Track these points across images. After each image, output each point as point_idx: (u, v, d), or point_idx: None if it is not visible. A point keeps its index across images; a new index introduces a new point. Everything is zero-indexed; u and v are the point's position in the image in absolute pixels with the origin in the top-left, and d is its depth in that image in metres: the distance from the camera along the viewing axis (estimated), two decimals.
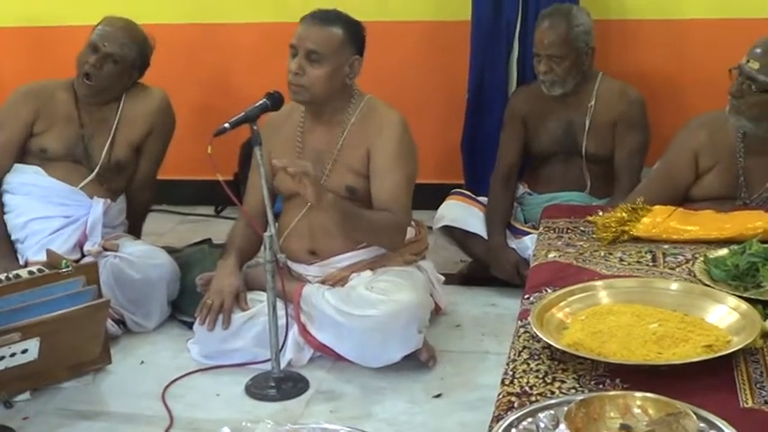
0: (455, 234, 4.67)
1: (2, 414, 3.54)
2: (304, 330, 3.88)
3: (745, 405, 2.08)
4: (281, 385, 3.71)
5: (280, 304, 3.72)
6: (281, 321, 3.75)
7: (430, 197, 4.72)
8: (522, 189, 4.79)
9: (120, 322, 4.20)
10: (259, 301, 3.89)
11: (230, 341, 3.92)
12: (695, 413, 1.89)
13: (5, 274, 3.71)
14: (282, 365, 3.77)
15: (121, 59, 4.30)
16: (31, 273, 3.71)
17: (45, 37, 5.36)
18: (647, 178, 4.08)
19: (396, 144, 3.94)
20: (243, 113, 3.64)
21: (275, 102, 3.76)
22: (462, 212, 4.67)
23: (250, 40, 5.70)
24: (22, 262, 4.21)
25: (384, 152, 3.92)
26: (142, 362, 4.01)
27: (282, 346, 3.78)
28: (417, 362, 3.83)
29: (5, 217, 4.34)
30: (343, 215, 3.80)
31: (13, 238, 4.32)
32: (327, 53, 3.84)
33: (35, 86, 4.46)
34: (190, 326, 4.09)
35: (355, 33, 3.92)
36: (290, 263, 3.98)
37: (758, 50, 3.59)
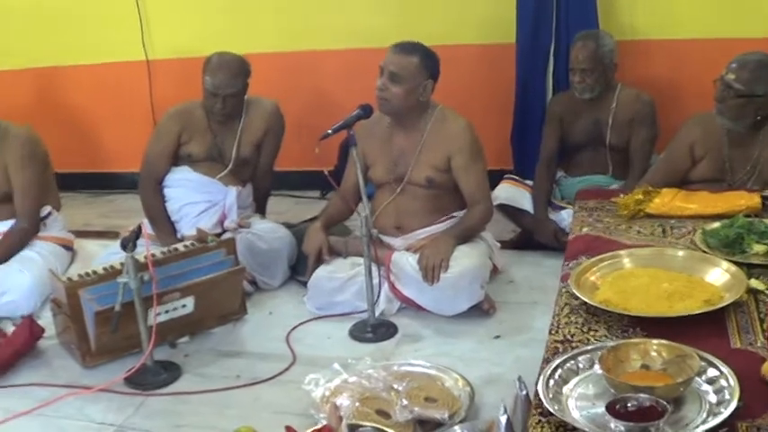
0: (508, 210, 4.69)
1: (168, 353, 3.66)
2: (393, 287, 3.91)
3: (735, 346, 2.10)
4: (376, 330, 3.76)
5: (374, 267, 3.75)
6: (376, 280, 3.77)
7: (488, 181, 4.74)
8: (560, 173, 4.78)
9: (253, 282, 4.27)
10: (358, 265, 3.91)
11: (336, 295, 3.96)
12: (698, 354, 1.92)
13: (167, 248, 3.81)
14: (377, 314, 3.81)
15: (235, 93, 4.36)
16: (185, 246, 3.80)
17: (187, 67, 5.41)
18: (655, 164, 4.09)
19: (470, 146, 3.96)
20: (342, 121, 3.66)
21: (367, 112, 3.78)
22: (513, 193, 4.69)
23: (338, 64, 5.71)
24: (179, 236, 4.31)
25: (463, 154, 3.95)
26: (270, 313, 4.07)
27: (377, 300, 3.81)
28: (481, 311, 3.85)
29: (166, 204, 4.42)
30: (462, 240, 3.93)
31: (172, 219, 4.41)
32: (405, 75, 3.85)
33: (179, 108, 4.52)
34: (305, 284, 4.11)
35: (430, 62, 3.92)
36: (381, 236, 4.00)
37: (734, 65, 3.61)
